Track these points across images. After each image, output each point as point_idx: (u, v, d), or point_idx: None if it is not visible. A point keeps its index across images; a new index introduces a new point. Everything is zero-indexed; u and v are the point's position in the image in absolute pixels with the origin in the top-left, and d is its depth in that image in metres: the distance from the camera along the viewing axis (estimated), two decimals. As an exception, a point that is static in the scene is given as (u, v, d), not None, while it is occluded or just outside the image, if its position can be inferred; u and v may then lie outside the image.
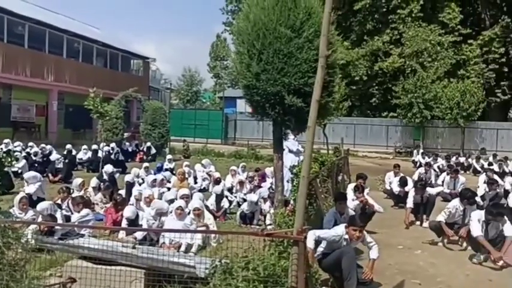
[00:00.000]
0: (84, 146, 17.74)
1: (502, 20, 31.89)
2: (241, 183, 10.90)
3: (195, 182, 12.63)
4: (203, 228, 7.25)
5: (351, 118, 33.07)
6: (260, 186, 11.23)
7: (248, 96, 5.75)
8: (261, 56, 5.42)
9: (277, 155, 5.85)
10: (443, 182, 12.64)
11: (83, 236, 6.89)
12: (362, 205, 8.48)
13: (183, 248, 6.61)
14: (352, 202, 8.24)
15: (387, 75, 32.86)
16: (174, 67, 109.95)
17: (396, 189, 11.54)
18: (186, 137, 28.22)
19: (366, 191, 8.88)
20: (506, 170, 17.34)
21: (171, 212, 7.70)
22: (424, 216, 9.34)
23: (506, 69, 31.69)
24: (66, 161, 15.10)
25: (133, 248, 5.81)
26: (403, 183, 11.31)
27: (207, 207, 8.95)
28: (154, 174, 12.03)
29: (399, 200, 11.15)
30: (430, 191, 9.75)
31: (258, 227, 8.41)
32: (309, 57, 5.26)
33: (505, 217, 6.82)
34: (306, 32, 5.36)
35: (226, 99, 40.08)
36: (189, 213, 7.50)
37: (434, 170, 17.87)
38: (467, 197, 7.78)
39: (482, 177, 12.35)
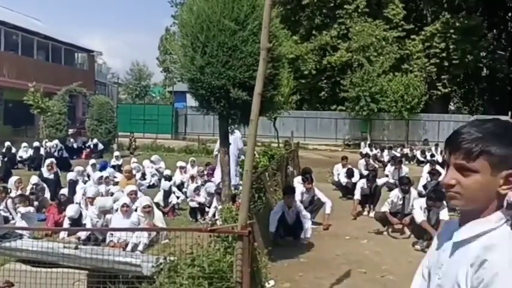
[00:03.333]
0: (25, 144, 16.89)
1: (442, 16, 33.25)
2: (192, 178, 10.77)
3: (144, 179, 12.36)
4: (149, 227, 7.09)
5: (301, 111, 33.49)
6: (210, 181, 11.14)
7: (193, 90, 5.64)
8: (205, 48, 5.32)
9: (224, 149, 5.79)
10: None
11: (21, 237, 6.56)
12: (310, 197, 8.60)
13: (129, 247, 6.44)
14: (300, 194, 8.35)
15: (335, 69, 33.50)
16: (122, 61, 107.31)
17: (344, 180, 11.78)
18: (135, 132, 27.55)
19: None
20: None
21: (116, 210, 7.48)
22: (371, 207, 9.61)
23: (446, 64, 33.11)
24: (5, 159, 14.35)
25: (76, 248, 5.59)
26: (349, 174, 11.59)
27: (156, 204, 8.79)
28: (100, 171, 11.66)
29: (347, 191, 11.38)
30: (377, 181, 10.02)
31: (209, 222, 8.34)
32: (254, 50, 5.21)
33: (444, 203, 7.14)
34: (250, 25, 5.30)
35: (177, 94, 39.48)
36: (136, 210, 7.31)
37: (379, 161, 18.50)
38: (403, 183, 8.13)
39: (427, 168, 12.80)
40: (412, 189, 8.30)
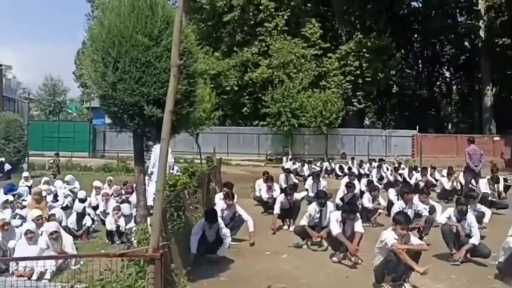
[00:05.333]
0: None
1: (355, 36, 35.22)
2: (106, 198, 10.29)
3: (56, 200, 11.63)
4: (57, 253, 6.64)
5: (224, 127, 33.58)
6: (128, 201, 10.73)
7: (105, 107, 5.41)
8: (117, 64, 5.13)
9: (139, 168, 5.59)
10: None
11: None
12: (231, 214, 8.54)
13: (35, 276, 5.97)
14: (221, 211, 8.27)
15: (257, 85, 34.08)
16: (34, 75, 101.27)
17: (265, 195, 11.89)
18: (48, 151, 25.92)
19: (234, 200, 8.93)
20: (362, 172, 19.02)
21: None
22: (291, 221, 9.76)
23: (360, 81, 34.98)
24: None
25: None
26: (269, 179, 11.79)
27: (67, 227, 8.30)
28: (5, 194, 10.78)
29: (268, 206, 11.49)
30: (296, 196, 10.21)
31: (123, 244, 8.00)
32: (168, 66, 5.05)
33: (358, 215, 7.43)
34: (164, 41, 5.20)
35: (95, 110, 37.86)
36: (41, 234, 6.82)
37: (300, 175, 18.94)
38: (319, 197, 8.40)
39: (344, 181, 13.25)
40: (328, 202, 8.54)
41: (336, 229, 7.12)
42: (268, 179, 12.48)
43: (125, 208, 8.83)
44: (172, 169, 10.46)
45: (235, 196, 9.00)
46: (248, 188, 14.99)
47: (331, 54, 35.08)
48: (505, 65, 36.65)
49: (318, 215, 8.18)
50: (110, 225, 8.73)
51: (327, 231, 7.54)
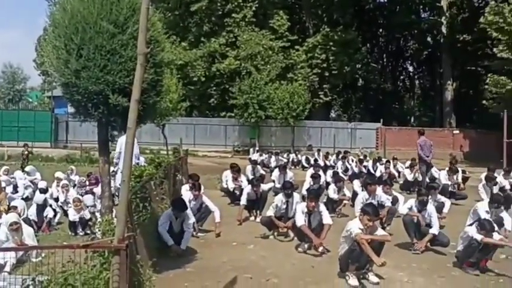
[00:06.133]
0: None
1: (322, 29, 35.51)
2: (66, 189, 10.06)
3: (16, 192, 11.27)
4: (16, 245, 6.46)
5: (191, 118, 33.31)
6: (92, 192, 10.51)
7: (68, 95, 5.23)
8: (81, 51, 4.97)
9: (103, 158, 5.46)
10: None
11: None
12: (198, 205, 8.52)
13: (-6, 269, 5.79)
14: (188, 202, 8.22)
15: (224, 77, 33.90)
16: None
17: (232, 186, 11.90)
18: (7, 141, 25.09)
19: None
20: (328, 164, 19.31)
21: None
22: (258, 212, 9.81)
23: (327, 74, 35.33)
24: None
25: None
26: (237, 171, 11.84)
27: (27, 218, 8.07)
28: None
29: (235, 197, 11.51)
30: (263, 187, 10.27)
31: (87, 236, 7.86)
32: (134, 55, 4.95)
33: (322, 205, 7.55)
34: (130, 29, 5.07)
35: (57, 99, 36.85)
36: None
37: (267, 167, 19.06)
38: (286, 187, 8.47)
39: (309, 172, 13.40)
40: (294, 193, 8.63)
41: (300, 221, 7.20)
42: (235, 170, 12.47)
43: (88, 199, 8.66)
44: (138, 159, 10.27)
45: (202, 187, 8.98)
46: (215, 179, 14.96)
47: (299, 46, 35.23)
48: (465, 61, 37.82)
49: (284, 206, 8.25)
50: (73, 216, 8.56)
51: (293, 221, 7.63)
